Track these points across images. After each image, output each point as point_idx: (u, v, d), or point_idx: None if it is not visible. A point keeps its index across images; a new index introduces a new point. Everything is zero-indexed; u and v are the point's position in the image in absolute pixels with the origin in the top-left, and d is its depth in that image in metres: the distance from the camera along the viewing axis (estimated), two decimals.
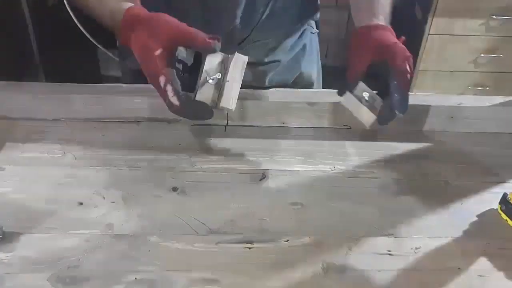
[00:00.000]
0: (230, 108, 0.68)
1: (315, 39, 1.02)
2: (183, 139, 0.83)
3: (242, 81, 0.69)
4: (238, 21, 0.86)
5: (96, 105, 0.84)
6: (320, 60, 1.06)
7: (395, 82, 0.69)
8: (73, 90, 0.84)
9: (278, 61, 0.96)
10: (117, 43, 0.71)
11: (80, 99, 0.83)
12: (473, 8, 2.02)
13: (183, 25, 0.65)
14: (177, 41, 0.65)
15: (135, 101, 0.83)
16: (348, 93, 0.75)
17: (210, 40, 0.64)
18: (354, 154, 0.82)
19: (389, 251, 0.65)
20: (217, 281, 0.60)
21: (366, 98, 0.73)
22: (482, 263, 0.64)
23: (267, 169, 0.77)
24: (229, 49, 0.68)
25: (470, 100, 0.88)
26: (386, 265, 0.63)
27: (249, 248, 0.64)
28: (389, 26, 0.75)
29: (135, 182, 0.73)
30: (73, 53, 1.97)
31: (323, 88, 1.05)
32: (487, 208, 0.73)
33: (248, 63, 0.69)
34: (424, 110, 0.86)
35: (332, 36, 2.59)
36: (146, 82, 0.67)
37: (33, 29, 1.89)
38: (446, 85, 2.22)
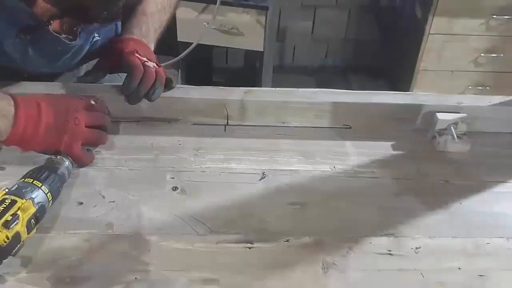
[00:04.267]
0: None
1: None
2: (183, 139, 0.83)
3: None
4: None
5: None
6: None
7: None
8: (73, 90, 0.83)
9: None
10: None
11: None
12: (473, 8, 2.01)
13: None
14: None
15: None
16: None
17: None
18: (354, 154, 0.82)
19: (389, 251, 0.65)
20: (217, 281, 0.60)
21: None
22: (482, 263, 0.64)
23: (267, 169, 0.77)
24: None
25: (470, 100, 0.88)
26: (386, 265, 0.63)
27: (249, 248, 0.64)
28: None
29: (135, 182, 0.73)
30: None
31: (321, 87, 1.04)
32: (487, 208, 0.73)
33: None
34: (424, 109, 0.85)
35: (332, 36, 2.59)
36: None
37: None
38: (446, 85, 2.22)
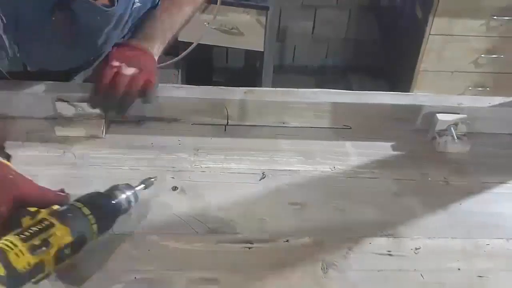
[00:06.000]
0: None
1: None
2: (183, 139, 0.83)
3: None
4: None
5: None
6: None
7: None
8: (73, 89, 0.83)
9: None
10: None
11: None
12: (473, 9, 2.01)
13: (31, 186, 0.60)
14: (25, 202, 0.57)
15: (135, 101, 0.83)
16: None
17: (62, 193, 0.61)
18: (354, 154, 0.82)
19: (389, 251, 0.65)
20: (217, 281, 0.60)
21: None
22: (482, 264, 0.64)
23: (267, 169, 0.77)
24: None
25: (470, 101, 0.88)
26: (386, 265, 0.63)
27: (249, 248, 0.64)
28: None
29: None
30: None
31: (322, 88, 1.04)
32: (487, 209, 0.73)
33: None
34: (424, 110, 0.86)
35: (332, 36, 2.59)
36: None
37: None
38: (446, 85, 2.21)
